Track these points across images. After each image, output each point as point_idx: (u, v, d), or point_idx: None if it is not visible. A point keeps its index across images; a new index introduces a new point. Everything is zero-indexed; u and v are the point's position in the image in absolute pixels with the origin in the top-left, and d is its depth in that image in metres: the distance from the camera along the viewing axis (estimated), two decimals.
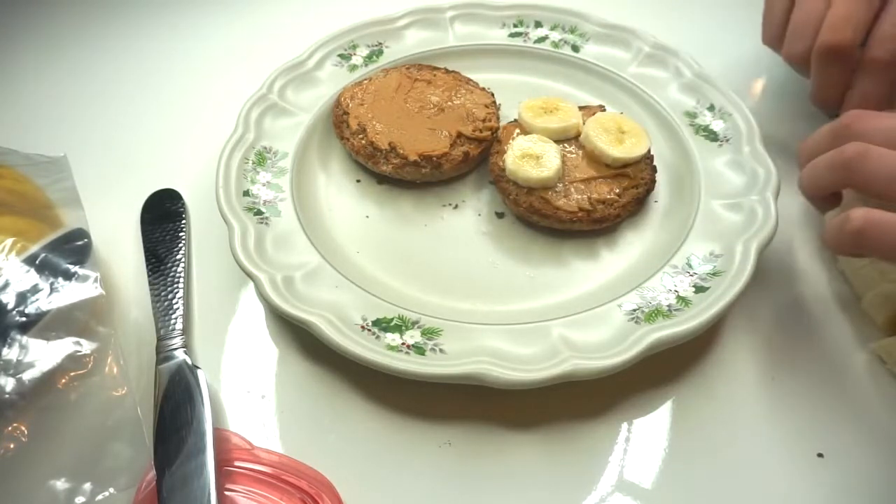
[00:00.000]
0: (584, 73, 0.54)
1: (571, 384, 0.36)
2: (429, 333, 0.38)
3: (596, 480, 0.36)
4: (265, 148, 0.48)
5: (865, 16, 0.43)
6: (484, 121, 0.49)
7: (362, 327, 0.38)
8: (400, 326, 0.39)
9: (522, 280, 0.43)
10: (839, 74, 0.45)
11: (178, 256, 0.45)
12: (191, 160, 0.51)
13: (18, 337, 0.36)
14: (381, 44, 0.55)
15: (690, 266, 0.41)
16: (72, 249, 0.40)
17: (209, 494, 0.33)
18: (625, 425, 0.38)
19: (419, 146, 0.47)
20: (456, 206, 0.47)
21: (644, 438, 0.38)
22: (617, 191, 0.44)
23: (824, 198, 0.39)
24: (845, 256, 0.43)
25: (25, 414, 0.35)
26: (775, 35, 0.49)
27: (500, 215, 0.47)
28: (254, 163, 0.46)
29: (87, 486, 0.34)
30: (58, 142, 0.48)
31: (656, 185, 0.46)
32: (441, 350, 0.37)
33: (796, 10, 0.46)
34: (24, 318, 0.36)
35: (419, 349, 0.37)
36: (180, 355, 0.39)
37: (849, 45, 0.43)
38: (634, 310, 0.39)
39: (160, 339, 0.40)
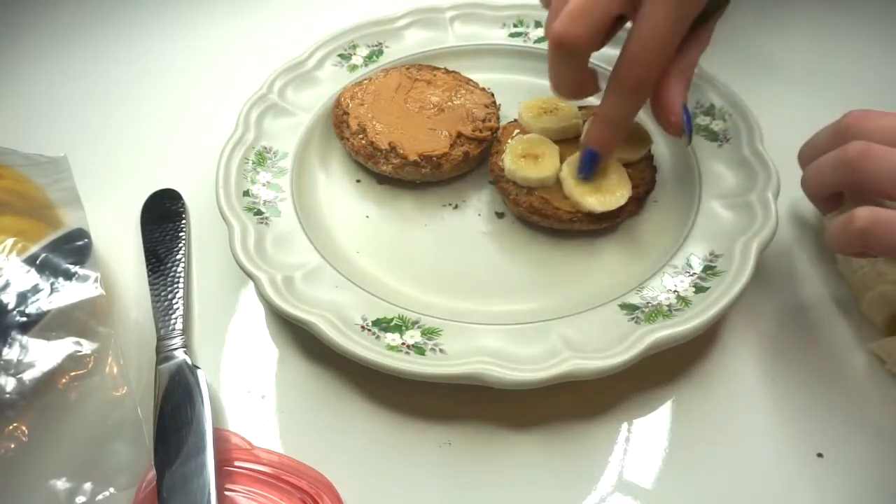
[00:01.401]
0: None
1: (571, 384, 0.36)
2: (429, 333, 0.38)
3: (596, 480, 0.36)
4: (265, 148, 0.48)
5: (606, 13, 0.35)
6: (484, 121, 0.49)
7: (362, 327, 0.38)
8: (400, 326, 0.39)
9: (522, 280, 0.43)
10: (572, 71, 0.39)
11: (178, 256, 0.45)
12: (191, 160, 0.51)
13: (18, 337, 0.36)
14: (381, 44, 0.55)
15: (690, 266, 0.41)
16: (72, 249, 0.40)
17: (209, 494, 0.33)
18: (625, 425, 0.38)
19: (419, 146, 0.47)
20: (456, 206, 0.47)
21: (644, 438, 0.38)
22: None
23: (827, 198, 0.39)
24: (848, 256, 0.43)
25: (25, 414, 0.35)
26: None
27: (500, 215, 0.47)
28: (254, 163, 0.46)
29: (87, 486, 0.34)
30: (58, 142, 0.48)
31: (656, 185, 0.46)
32: (441, 350, 0.37)
33: None
34: (24, 318, 0.36)
35: (419, 349, 0.37)
36: (180, 355, 0.39)
37: (579, 43, 0.36)
38: (634, 310, 0.39)
39: (160, 339, 0.40)
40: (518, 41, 0.56)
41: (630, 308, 0.39)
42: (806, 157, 0.39)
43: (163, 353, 0.39)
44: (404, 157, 0.46)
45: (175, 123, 0.55)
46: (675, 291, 0.40)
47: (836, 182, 0.36)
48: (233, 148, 0.46)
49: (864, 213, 0.33)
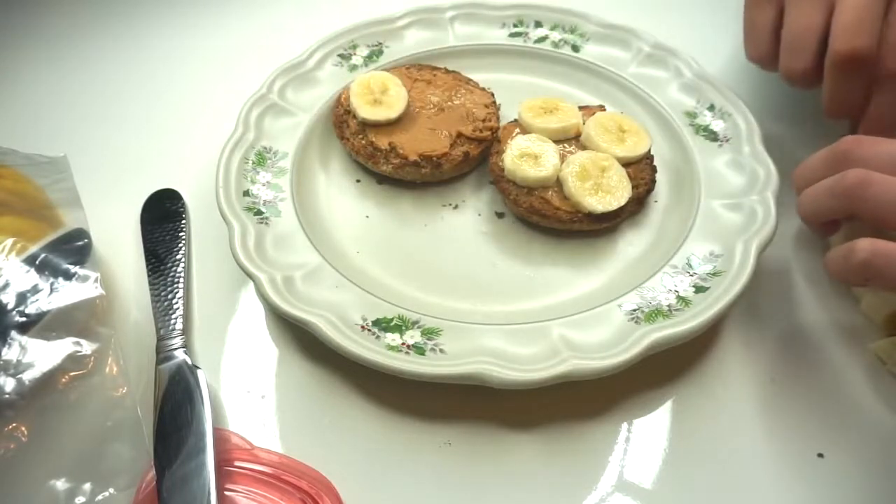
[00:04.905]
0: (584, 73, 0.54)
1: (571, 384, 0.36)
2: (429, 333, 0.38)
3: (596, 480, 0.36)
4: (265, 148, 0.48)
5: (878, 19, 0.39)
6: (484, 121, 0.49)
7: (362, 327, 0.38)
8: (400, 326, 0.39)
9: (522, 280, 0.43)
10: (859, 84, 0.40)
11: (178, 256, 0.45)
12: (191, 160, 0.51)
13: (18, 337, 0.36)
14: (381, 44, 0.55)
15: (690, 266, 0.41)
16: (72, 249, 0.40)
17: (209, 494, 0.33)
18: (625, 425, 0.38)
19: (419, 146, 0.47)
20: (456, 206, 0.47)
21: (644, 438, 0.38)
22: None
23: (824, 224, 0.38)
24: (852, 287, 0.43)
25: (25, 414, 0.35)
26: (764, 52, 0.45)
27: (500, 215, 0.47)
28: (254, 163, 0.46)
29: (87, 486, 0.34)
30: (58, 142, 0.48)
31: (656, 185, 0.46)
32: (441, 350, 0.37)
33: (790, 22, 0.42)
34: (24, 318, 0.36)
35: (419, 349, 0.37)
36: (180, 355, 0.39)
37: (868, 51, 0.39)
38: (634, 310, 0.39)
39: (160, 339, 0.40)
40: (518, 41, 0.56)
41: (630, 308, 0.39)
42: (800, 182, 0.39)
43: (163, 353, 0.39)
44: (404, 157, 0.46)
45: (175, 123, 0.55)
46: (675, 291, 0.40)
47: (834, 209, 0.36)
48: (233, 148, 0.46)
49: (865, 246, 0.32)
